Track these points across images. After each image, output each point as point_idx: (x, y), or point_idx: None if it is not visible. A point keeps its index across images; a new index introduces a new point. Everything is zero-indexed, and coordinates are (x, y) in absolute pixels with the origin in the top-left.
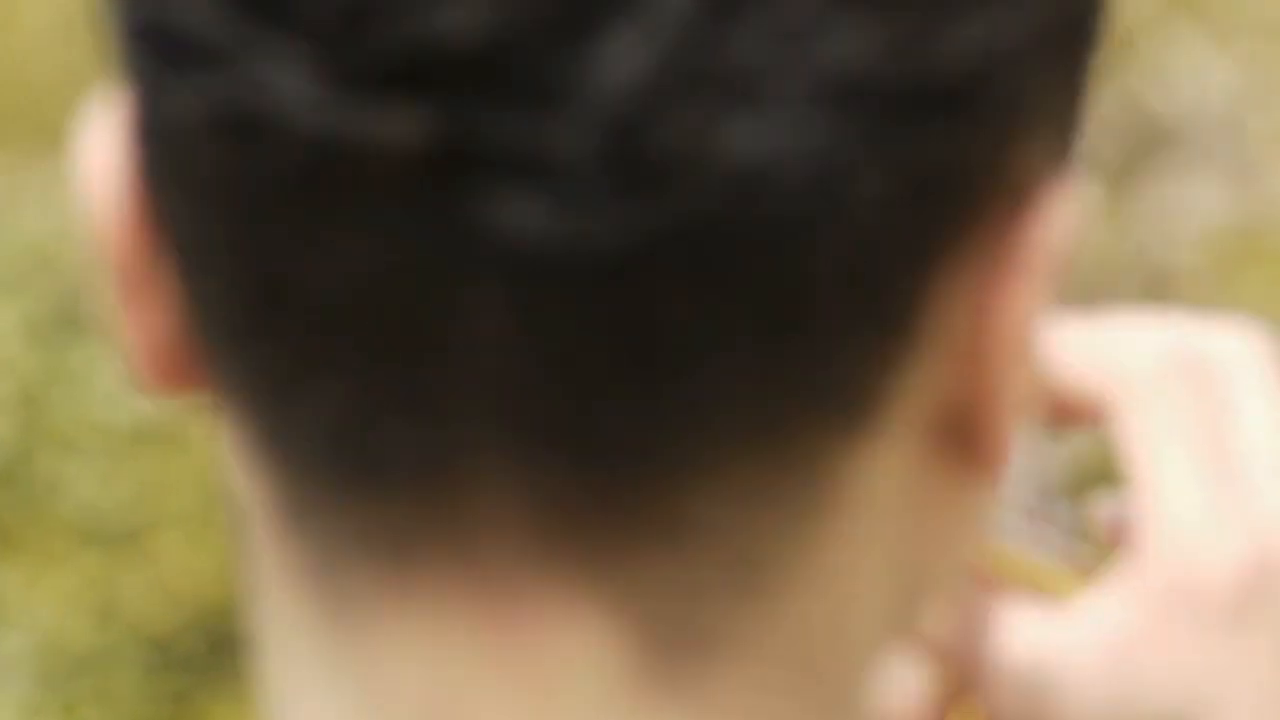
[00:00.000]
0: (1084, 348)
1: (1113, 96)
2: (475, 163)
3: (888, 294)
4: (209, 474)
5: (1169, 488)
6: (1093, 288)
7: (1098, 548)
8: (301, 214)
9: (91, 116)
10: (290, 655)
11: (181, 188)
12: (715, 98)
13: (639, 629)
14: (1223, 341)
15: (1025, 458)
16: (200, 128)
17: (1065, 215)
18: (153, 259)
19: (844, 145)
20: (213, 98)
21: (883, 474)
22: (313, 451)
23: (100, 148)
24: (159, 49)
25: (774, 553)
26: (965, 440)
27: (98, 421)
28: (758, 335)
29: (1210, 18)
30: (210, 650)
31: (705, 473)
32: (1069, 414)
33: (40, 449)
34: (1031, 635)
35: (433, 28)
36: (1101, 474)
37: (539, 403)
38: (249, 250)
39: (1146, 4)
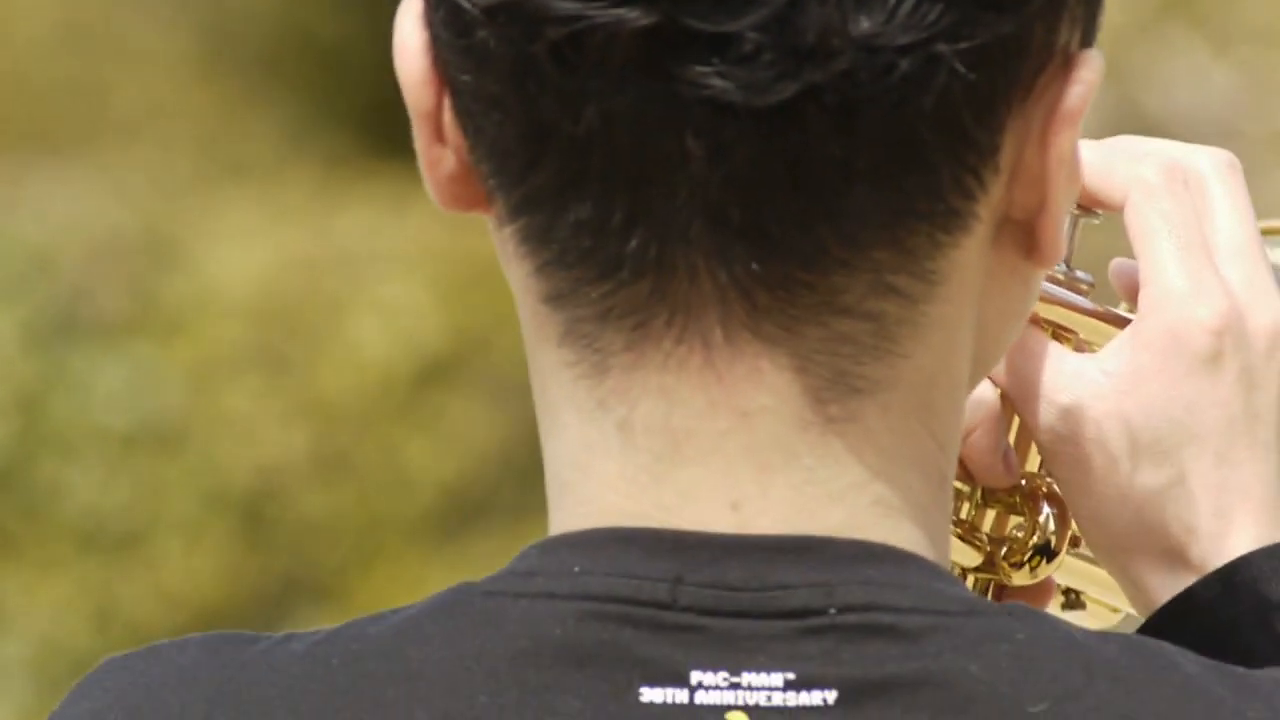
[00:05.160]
0: (1104, 159)
1: (1110, 101)
2: (681, 42)
3: (976, 136)
4: (207, 478)
5: (1163, 264)
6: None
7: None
8: (558, 76)
9: (405, 4)
10: (560, 397)
11: (466, 58)
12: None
13: (807, 379)
14: (1203, 156)
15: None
16: (481, 14)
17: (1094, 72)
18: (442, 111)
19: (937, 30)
20: None
21: (972, 264)
22: (569, 251)
23: (408, 26)
24: None
25: (898, 321)
26: (1028, 240)
27: (96, 426)
28: (882, 166)
29: (1207, 23)
30: None
31: (846, 266)
32: (1096, 205)
33: (38, 454)
34: (1069, 367)
35: None
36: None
37: (730, 214)
38: (522, 102)
39: (1143, 9)
